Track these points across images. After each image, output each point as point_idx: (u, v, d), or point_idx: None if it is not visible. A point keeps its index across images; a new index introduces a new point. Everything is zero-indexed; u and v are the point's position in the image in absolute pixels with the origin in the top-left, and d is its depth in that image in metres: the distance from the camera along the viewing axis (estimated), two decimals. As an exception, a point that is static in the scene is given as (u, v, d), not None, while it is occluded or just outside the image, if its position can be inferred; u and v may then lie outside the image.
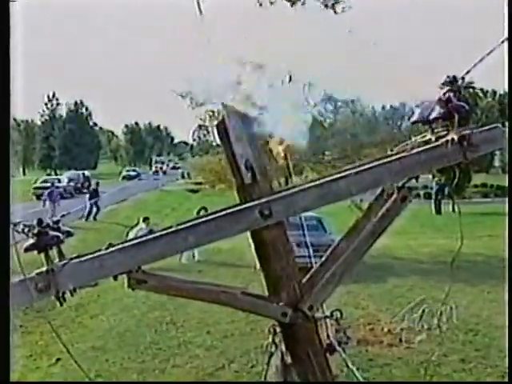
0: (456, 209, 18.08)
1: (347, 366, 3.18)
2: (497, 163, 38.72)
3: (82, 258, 2.77)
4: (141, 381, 5.38)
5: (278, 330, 3.10)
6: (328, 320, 3.17)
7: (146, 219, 16.90)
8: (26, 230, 2.61)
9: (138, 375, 7.90)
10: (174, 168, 75.37)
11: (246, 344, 8.95)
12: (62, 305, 2.74)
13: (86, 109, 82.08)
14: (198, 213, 11.86)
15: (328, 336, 3.13)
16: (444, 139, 2.92)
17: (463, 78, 3.02)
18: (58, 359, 8.87)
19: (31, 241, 2.69)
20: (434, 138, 3.03)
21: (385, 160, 2.94)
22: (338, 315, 3.09)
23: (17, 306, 2.68)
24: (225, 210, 2.88)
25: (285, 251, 2.97)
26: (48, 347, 9.63)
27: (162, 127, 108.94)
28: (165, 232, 2.80)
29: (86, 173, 46.90)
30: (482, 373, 7.67)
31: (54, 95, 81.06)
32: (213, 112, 18.41)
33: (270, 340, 3.16)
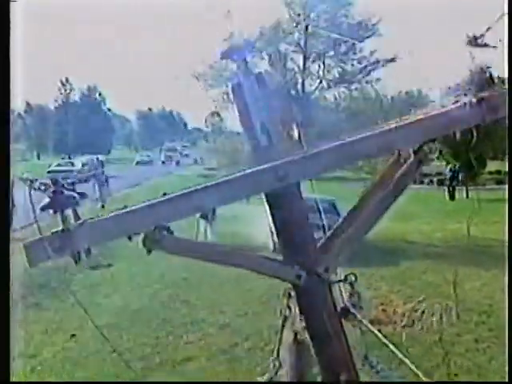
0: (470, 195, 18.11)
1: (362, 324, 3.18)
2: (513, 150, 38.24)
3: (98, 219, 2.78)
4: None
5: (292, 293, 3.10)
6: (342, 284, 3.18)
7: None
8: (42, 187, 2.63)
9: (153, 349, 7.97)
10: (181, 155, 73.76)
11: (258, 323, 8.98)
12: (77, 264, 2.78)
13: (100, 94, 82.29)
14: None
15: (342, 300, 3.13)
16: (462, 101, 2.90)
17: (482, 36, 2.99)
18: (73, 335, 8.98)
19: (47, 200, 2.70)
20: (452, 101, 3.01)
21: (402, 123, 2.93)
22: (353, 279, 3.08)
23: (34, 265, 2.70)
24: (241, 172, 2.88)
25: (300, 215, 2.96)
26: (63, 323, 9.76)
27: (175, 113, 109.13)
28: (181, 193, 2.81)
29: (100, 157, 47.02)
30: (495, 352, 7.64)
31: (67, 80, 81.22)
32: (227, 94, 18.38)
33: (285, 303, 3.17)
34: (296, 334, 8.34)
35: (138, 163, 62.43)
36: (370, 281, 11.64)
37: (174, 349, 8.10)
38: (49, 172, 36.27)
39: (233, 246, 3.03)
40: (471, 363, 7.48)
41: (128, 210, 2.78)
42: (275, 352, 3.33)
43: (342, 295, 3.18)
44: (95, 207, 23.66)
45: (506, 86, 2.92)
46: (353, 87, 18.27)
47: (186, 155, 71.70)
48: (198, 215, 16.46)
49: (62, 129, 77.48)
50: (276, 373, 3.29)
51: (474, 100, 2.86)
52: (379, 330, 8.71)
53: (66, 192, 2.67)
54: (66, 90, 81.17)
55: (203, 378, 7.10)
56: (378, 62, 17.67)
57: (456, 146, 28.01)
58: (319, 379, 7.43)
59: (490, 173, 34.56)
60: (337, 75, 17.57)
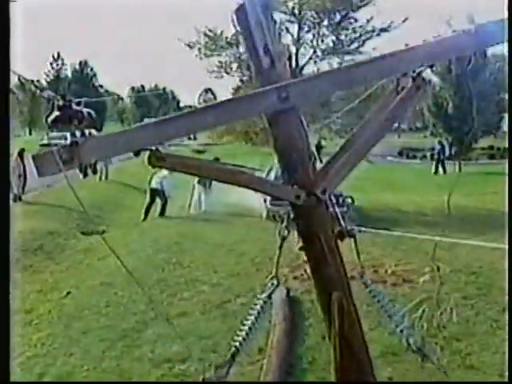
0: (462, 169, 18.31)
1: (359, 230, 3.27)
2: (505, 127, 38.66)
3: (105, 134, 2.87)
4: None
5: (291, 215, 3.19)
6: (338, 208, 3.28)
7: None
8: (51, 97, 2.68)
9: (146, 306, 8.06)
10: None
11: (251, 282, 9.09)
12: (85, 177, 2.84)
13: (91, 69, 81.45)
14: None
15: (339, 222, 3.23)
16: (460, 30, 2.98)
17: None
18: (69, 292, 9.08)
19: (56, 113, 2.76)
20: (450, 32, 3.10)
21: (403, 49, 3.01)
22: (350, 201, 3.17)
23: (43, 175, 2.77)
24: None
25: (300, 138, 3.05)
26: (58, 284, 9.86)
27: (167, 90, 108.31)
28: (185, 111, 2.89)
29: (93, 131, 46.60)
30: (482, 307, 7.83)
31: (58, 55, 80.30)
32: (221, 63, 18.32)
33: (284, 225, 3.25)
34: (288, 290, 8.47)
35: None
36: (361, 246, 11.78)
37: (169, 305, 8.21)
38: (41, 145, 35.85)
39: (235, 165, 3.10)
40: (459, 317, 7.66)
41: (134, 126, 2.86)
42: (273, 271, 3.42)
43: (338, 218, 3.28)
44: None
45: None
46: (347, 58, 18.18)
47: None
48: (195, 181, 16.55)
49: (53, 104, 76.42)
50: (273, 291, 3.38)
51: (473, 29, 2.94)
52: (370, 291, 8.95)
53: (74, 106, 2.65)
54: (57, 65, 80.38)
55: (197, 330, 7.21)
56: (372, 31, 17.63)
57: (449, 119, 28.00)
58: (309, 332, 7.56)
59: (483, 148, 35.08)
60: (331, 44, 17.57)
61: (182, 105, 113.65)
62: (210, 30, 17.85)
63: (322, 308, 3.21)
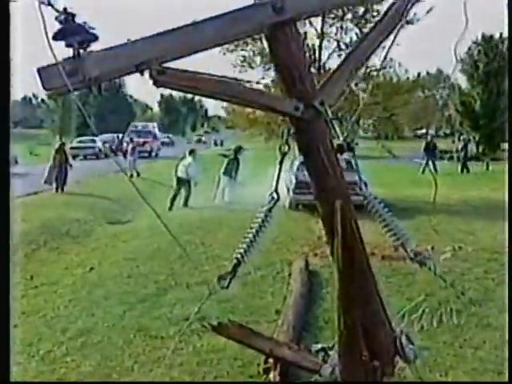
0: (490, 168, 18.14)
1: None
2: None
3: (107, 47, 2.98)
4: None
5: (291, 131, 3.28)
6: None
7: (192, 152, 16.89)
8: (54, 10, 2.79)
9: (168, 277, 8.24)
10: (199, 141, 74.27)
11: (271, 258, 9.20)
12: (91, 91, 2.95)
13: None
14: (236, 151, 12.02)
15: (338, 137, 3.31)
16: None
17: None
18: (92, 268, 9.29)
19: (58, 27, 2.88)
20: None
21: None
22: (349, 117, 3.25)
23: (48, 88, 2.90)
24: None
25: (298, 52, 3.15)
26: (83, 262, 10.06)
27: (195, 99, 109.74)
28: (184, 24, 3.00)
29: (121, 135, 47.26)
30: (503, 281, 7.79)
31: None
32: (244, 57, 18.53)
33: (284, 140, 3.33)
34: (307, 262, 8.53)
35: (161, 144, 62.65)
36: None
37: (189, 276, 8.33)
38: (71, 148, 36.45)
39: (237, 79, 3.21)
40: (479, 286, 7.65)
41: (137, 39, 2.98)
42: (273, 186, 3.52)
43: (338, 134, 3.36)
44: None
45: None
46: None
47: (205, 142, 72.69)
48: (221, 172, 16.73)
49: (82, 113, 77.85)
50: (273, 205, 3.49)
51: None
52: (390, 265, 8.99)
53: (76, 21, 2.68)
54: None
55: (216, 295, 7.28)
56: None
57: (477, 117, 27.80)
58: (326, 298, 7.59)
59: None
60: (354, 38, 17.66)
61: (210, 114, 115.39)
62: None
63: (325, 219, 3.30)
